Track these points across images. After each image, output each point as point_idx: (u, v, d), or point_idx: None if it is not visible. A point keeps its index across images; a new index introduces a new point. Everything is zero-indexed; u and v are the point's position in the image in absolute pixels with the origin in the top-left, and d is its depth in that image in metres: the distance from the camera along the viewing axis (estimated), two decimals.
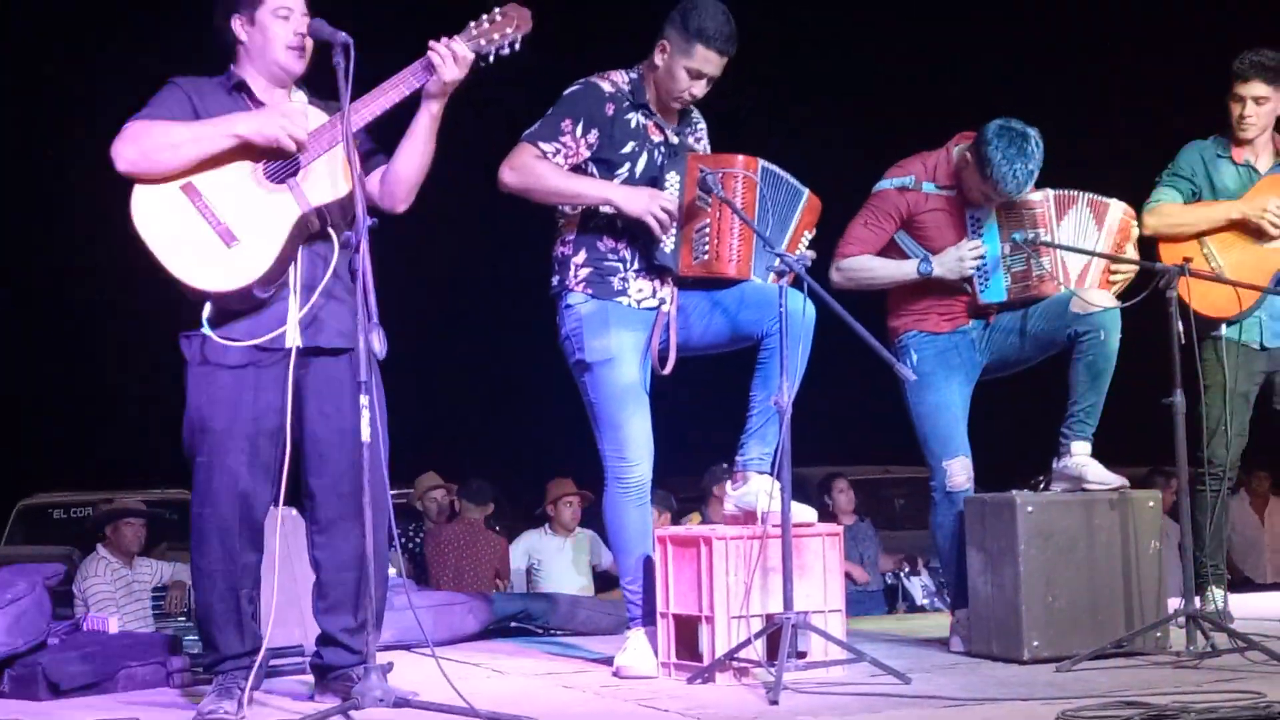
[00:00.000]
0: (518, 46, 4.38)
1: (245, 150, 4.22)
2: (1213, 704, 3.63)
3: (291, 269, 4.25)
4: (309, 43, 4.31)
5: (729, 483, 5.01)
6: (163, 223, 4.17)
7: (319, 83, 4.34)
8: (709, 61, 4.86)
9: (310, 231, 4.27)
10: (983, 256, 5.27)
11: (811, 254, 4.97)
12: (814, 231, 5.08)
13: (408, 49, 4.33)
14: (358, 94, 4.21)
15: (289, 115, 4.22)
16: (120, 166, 4.18)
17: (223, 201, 4.20)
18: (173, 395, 4.42)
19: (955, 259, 5.28)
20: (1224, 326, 5.67)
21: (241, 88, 4.34)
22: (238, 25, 4.35)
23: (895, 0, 12.68)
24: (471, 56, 4.29)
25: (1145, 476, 8.22)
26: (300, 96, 4.41)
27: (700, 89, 4.91)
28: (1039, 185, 5.25)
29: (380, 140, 4.45)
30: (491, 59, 4.36)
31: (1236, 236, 5.72)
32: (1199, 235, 5.70)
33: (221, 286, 4.17)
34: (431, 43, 4.27)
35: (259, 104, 4.33)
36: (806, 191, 5.02)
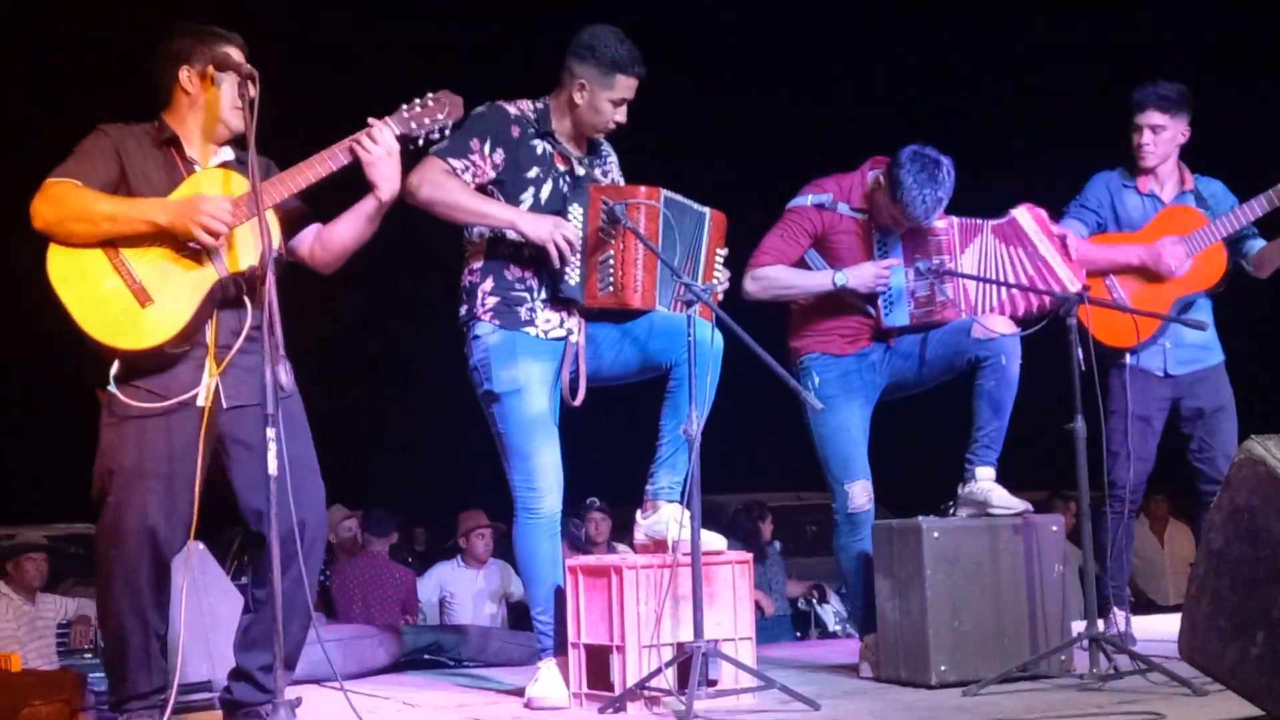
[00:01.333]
0: (447, 131, 4.51)
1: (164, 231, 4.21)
2: None
3: (207, 327, 4.24)
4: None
5: (639, 511, 5.03)
6: (79, 280, 4.16)
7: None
8: (630, 88, 4.94)
9: (227, 296, 4.26)
10: (892, 271, 5.32)
11: (726, 274, 5.01)
12: (725, 248, 5.11)
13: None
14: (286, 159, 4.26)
15: (211, 211, 4.17)
16: (37, 225, 4.18)
17: (141, 264, 4.19)
18: (75, 430, 4.38)
19: (870, 274, 5.34)
20: (1127, 356, 5.79)
21: (173, 142, 4.33)
22: (186, 77, 4.34)
23: (813, 27, 12.80)
24: (396, 137, 4.35)
25: (1046, 500, 8.33)
26: (226, 151, 4.41)
27: (623, 115, 4.98)
28: (946, 213, 5.34)
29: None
30: (420, 142, 4.45)
31: (1138, 272, 5.85)
32: (1104, 273, 5.83)
33: (133, 346, 4.15)
34: (358, 135, 4.32)
35: (188, 161, 4.32)
36: (708, 211, 5.05)
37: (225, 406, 4.24)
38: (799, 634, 10.08)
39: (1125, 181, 5.97)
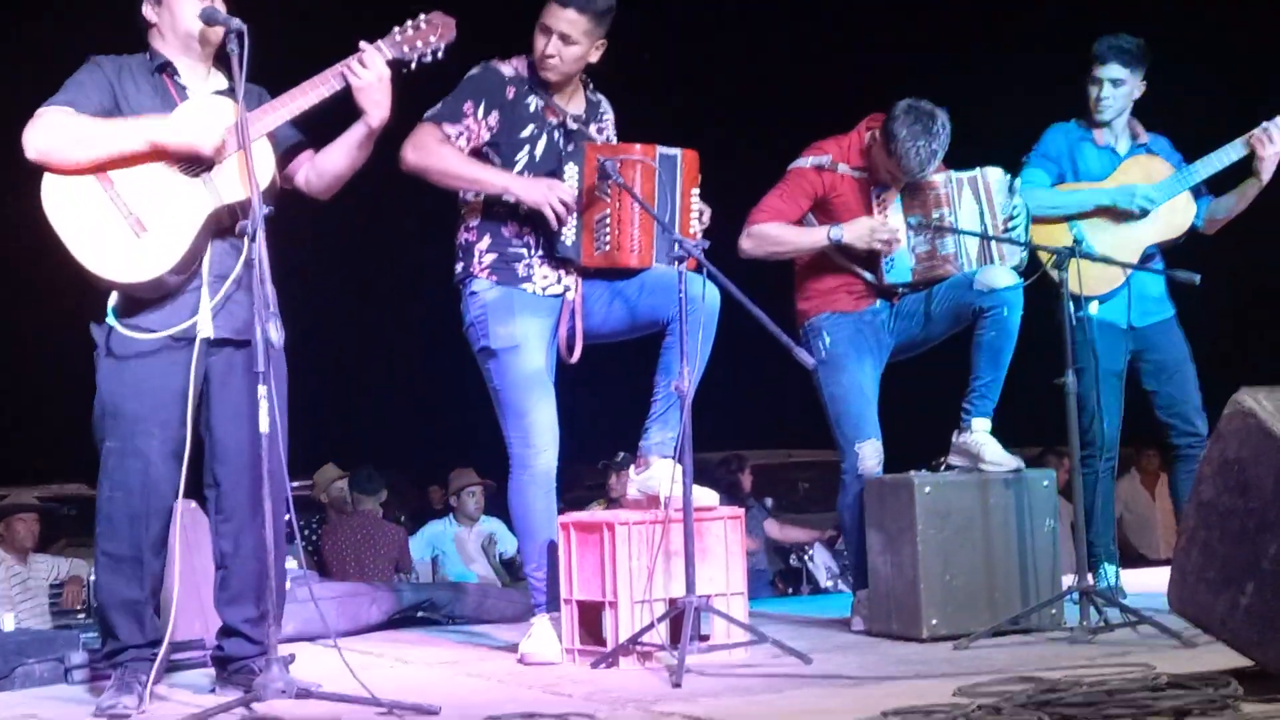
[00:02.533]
0: (440, 55, 4.41)
1: (160, 150, 4.18)
2: (1104, 676, 3.71)
3: (204, 258, 4.23)
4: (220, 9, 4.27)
5: (632, 468, 5.03)
6: (74, 210, 4.14)
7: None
8: (552, 14, 4.85)
9: (221, 225, 4.25)
10: (891, 233, 5.31)
11: (707, 211, 4.99)
12: (699, 194, 5.02)
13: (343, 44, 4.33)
14: (276, 86, 4.21)
15: (206, 124, 4.16)
16: (30, 154, 4.15)
17: (135, 192, 4.17)
18: (67, 388, 4.38)
19: (867, 228, 5.33)
20: (1095, 304, 5.76)
21: (165, 68, 4.31)
22: (148, 9, 4.34)
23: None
24: (389, 61, 4.29)
25: (1039, 456, 8.34)
26: (219, 78, 4.38)
27: (555, 48, 4.86)
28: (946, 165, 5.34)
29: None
30: (414, 65, 4.37)
31: (1104, 219, 5.84)
32: (1067, 219, 5.81)
33: (129, 278, 4.15)
34: (348, 60, 4.27)
35: (180, 88, 4.30)
36: (679, 152, 4.97)
37: (214, 337, 4.23)
38: (790, 590, 10.11)
39: (1082, 133, 5.95)
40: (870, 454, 5.35)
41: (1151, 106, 5.98)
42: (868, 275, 5.40)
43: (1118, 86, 5.85)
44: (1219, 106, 6.24)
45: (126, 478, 4.21)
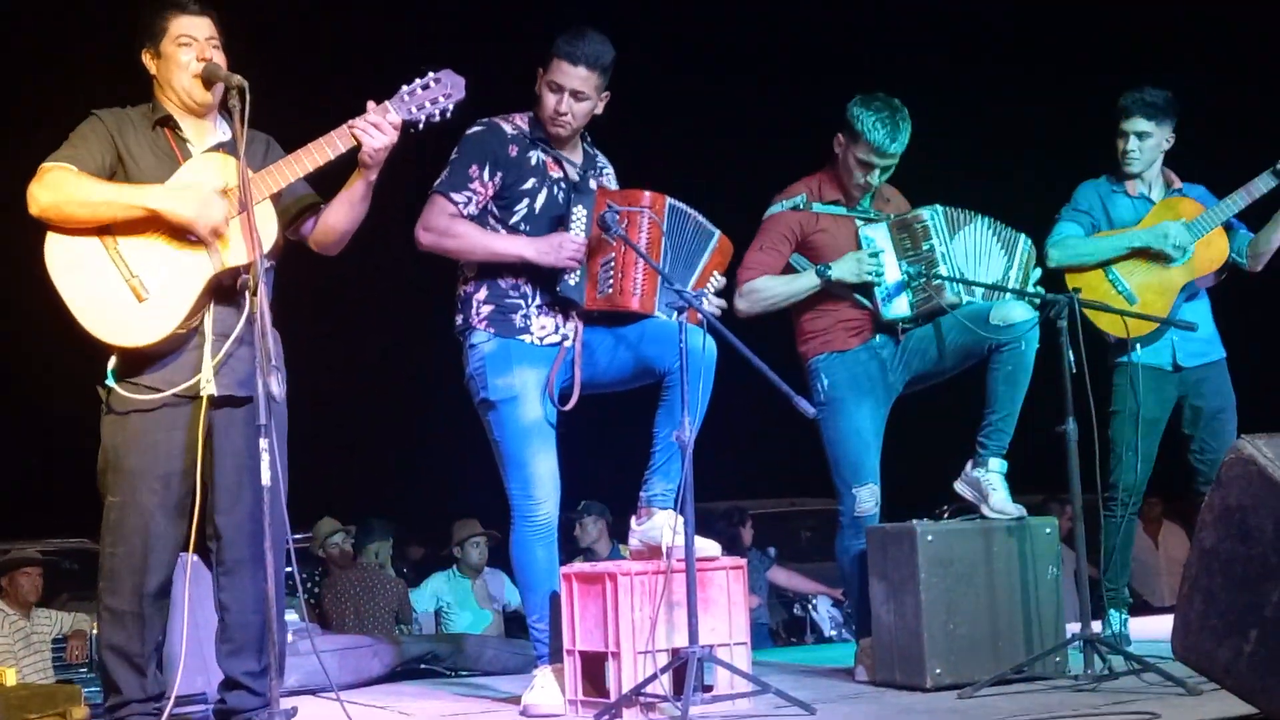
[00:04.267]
0: (449, 114, 4.39)
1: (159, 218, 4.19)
2: None
3: (205, 315, 4.24)
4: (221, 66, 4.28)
5: (634, 518, 5.03)
6: (76, 272, 4.16)
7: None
8: (565, 74, 4.88)
9: (223, 286, 4.26)
10: (879, 259, 5.32)
11: (721, 303, 5.04)
12: (724, 275, 5.12)
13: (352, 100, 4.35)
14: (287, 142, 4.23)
15: (206, 199, 4.17)
16: (33, 210, 4.17)
17: (137, 253, 4.19)
18: (70, 443, 4.39)
19: (854, 260, 5.35)
20: (1138, 347, 5.78)
21: (166, 122, 4.33)
22: (148, 60, 4.35)
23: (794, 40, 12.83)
24: (398, 124, 4.28)
25: (1041, 504, 8.33)
26: (223, 128, 4.39)
27: (568, 105, 4.90)
28: (929, 202, 5.38)
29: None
30: (421, 126, 4.35)
31: (1140, 261, 5.86)
32: (1103, 264, 5.84)
33: (130, 342, 4.17)
34: (356, 121, 4.26)
35: (182, 141, 4.31)
36: (718, 233, 5.07)
37: (217, 394, 4.24)
38: (794, 639, 10.07)
39: (1114, 187, 5.99)
40: (866, 497, 5.35)
41: (1184, 153, 6.02)
42: (867, 303, 5.41)
43: (1144, 139, 5.89)
44: (1248, 146, 6.26)
45: (128, 533, 4.22)
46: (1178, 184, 6.01)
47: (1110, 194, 5.97)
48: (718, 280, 5.11)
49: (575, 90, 4.90)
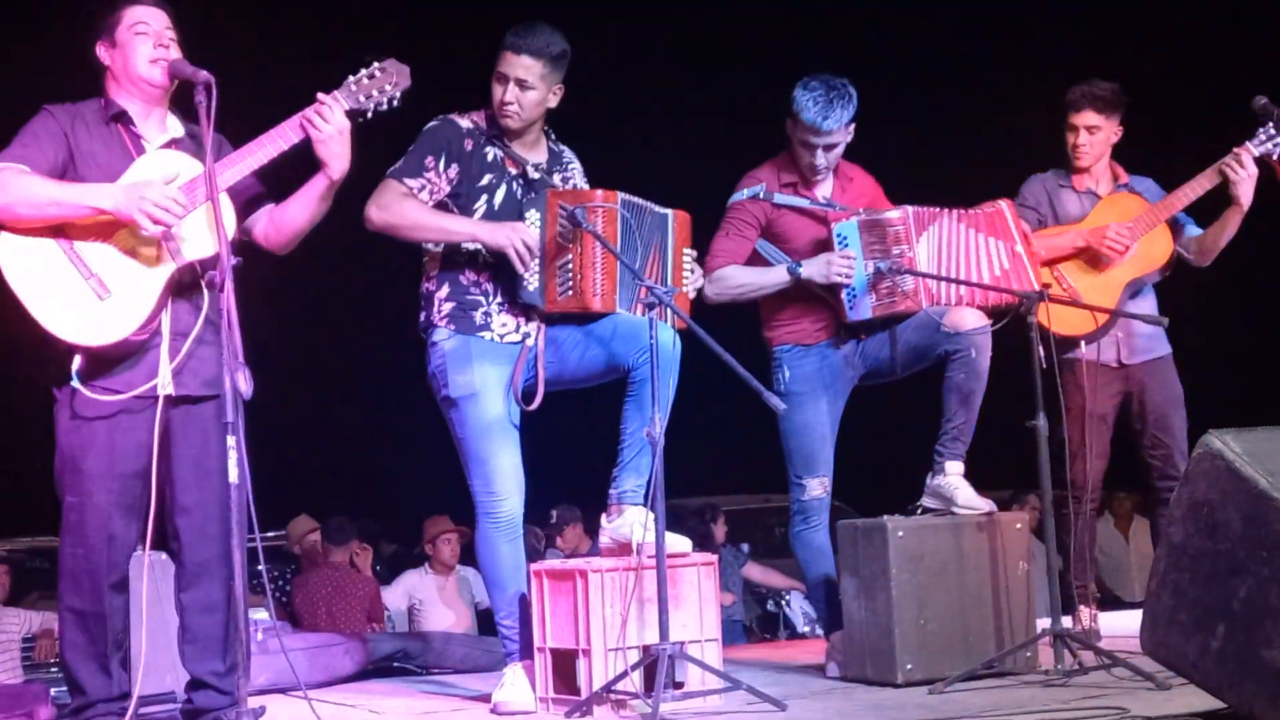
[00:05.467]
0: (396, 103, 4.37)
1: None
2: (1077, 719, 3.70)
3: (163, 314, 4.20)
4: (174, 54, 4.25)
5: (604, 515, 5.02)
6: (33, 271, 4.10)
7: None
8: (508, 62, 4.89)
9: (183, 283, 4.22)
10: (852, 265, 5.31)
11: (698, 271, 5.04)
12: (693, 249, 5.12)
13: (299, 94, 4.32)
14: (237, 137, 4.18)
15: (155, 197, 4.11)
16: None
17: (95, 252, 4.14)
18: (38, 441, 4.34)
19: (824, 262, 5.34)
20: (1082, 345, 5.80)
21: (120, 118, 4.28)
22: (102, 51, 4.31)
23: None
24: (346, 110, 4.26)
25: (1010, 499, 8.36)
26: (175, 124, 4.36)
27: (514, 95, 4.89)
28: (899, 203, 5.38)
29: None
30: (370, 115, 4.34)
31: (1083, 260, 5.87)
32: (1048, 263, 5.84)
33: (93, 341, 4.12)
34: (306, 111, 4.25)
35: (136, 137, 4.27)
36: (670, 212, 5.05)
37: (175, 394, 4.21)
38: (767, 636, 10.08)
39: (1061, 182, 6.00)
40: (815, 486, 5.39)
41: (1128, 146, 6.03)
42: (833, 301, 5.40)
43: (1094, 134, 5.90)
44: (1196, 140, 6.26)
45: (87, 533, 4.18)
46: (1125, 178, 6.01)
47: (1058, 189, 5.97)
48: (690, 254, 5.09)
49: (520, 79, 4.89)
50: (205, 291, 4.22)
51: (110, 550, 4.19)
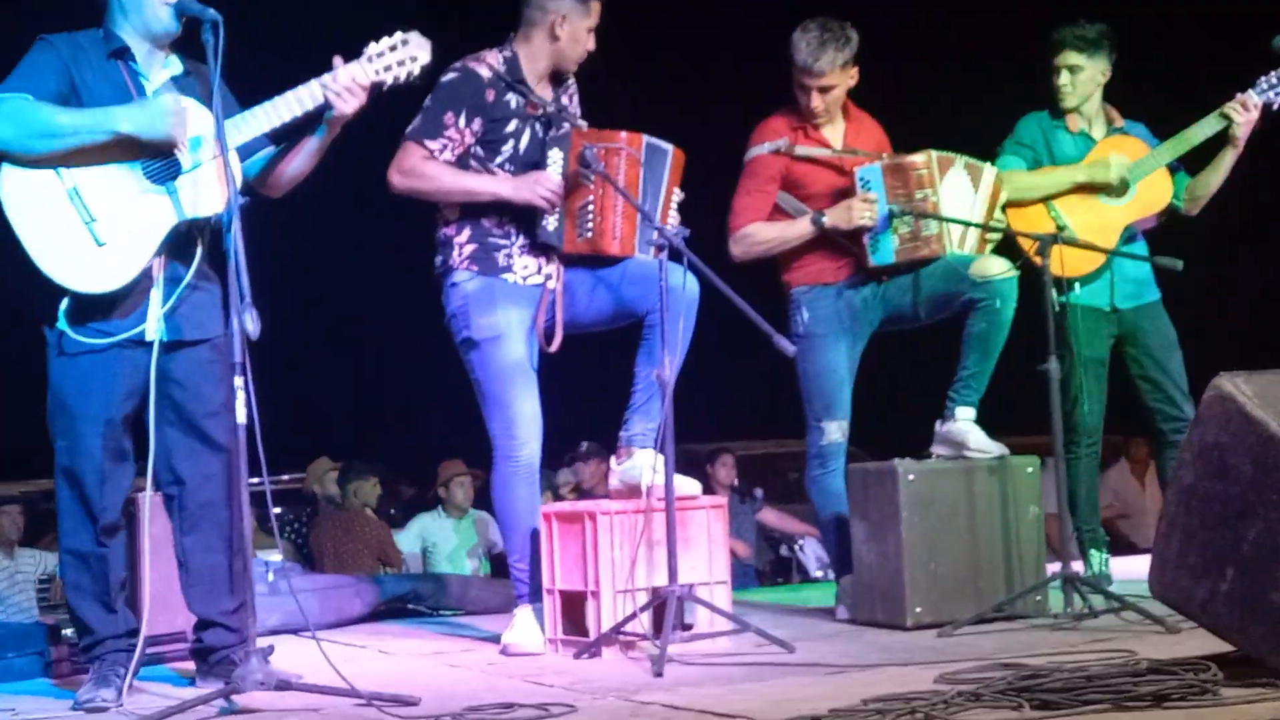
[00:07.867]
0: (415, 76, 4.32)
1: (128, 143, 4.09)
2: (1085, 662, 3.70)
3: (155, 260, 4.16)
4: None
5: (614, 457, 5.02)
6: (33, 209, 4.06)
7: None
8: (599, 12, 4.96)
9: (179, 235, 4.18)
10: (874, 208, 5.28)
11: (685, 230, 5.01)
12: (681, 191, 5.07)
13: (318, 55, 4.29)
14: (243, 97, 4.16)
15: (178, 115, 4.08)
16: None
17: (99, 197, 4.09)
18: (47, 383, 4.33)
19: (845, 209, 5.31)
20: (1078, 286, 5.73)
21: (121, 54, 4.21)
22: None
23: None
24: (368, 86, 4.22)
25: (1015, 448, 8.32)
26: (175, 63, 4.30)
27: (594, 42, 4.99)
28: (922, 147, 5.33)
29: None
30: (385, 88, 4.29)
31: (1080, 198, 5.81)
32: (1045, 199, 5.79)
33: (85, 288, 4.09)
34: (328, 82, 4.20)
35: (135, 73, 4.21)
36: (670, 148, 5.02)
37: (166, 339, 4.19)
38: (780, 579, 10.10)
39: (1055, 122, 5.93)
40: (834, 430, 5.36)
41: (1126, 92, 5.96)
42: (855, 248, 5.37)
43: (1076, 74, 5.82)
44: (1193, 90, 6.19)
45: (79, 476, 4.17)
46: (1119, 122, 5.93)
47: (1053, 129, 5.90)
48: (678, 195, 5.06)
49: (593, 28, 4.98)
50: (200, 243, 4.19)
51: (104, 492, 4.18)
